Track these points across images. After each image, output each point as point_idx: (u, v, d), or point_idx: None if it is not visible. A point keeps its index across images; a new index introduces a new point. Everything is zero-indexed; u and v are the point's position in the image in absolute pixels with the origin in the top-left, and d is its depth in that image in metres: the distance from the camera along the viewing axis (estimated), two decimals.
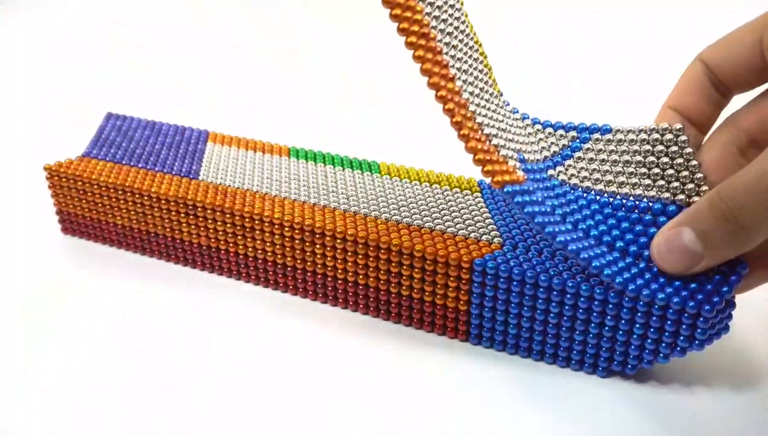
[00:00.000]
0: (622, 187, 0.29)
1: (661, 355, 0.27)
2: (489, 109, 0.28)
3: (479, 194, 0.35)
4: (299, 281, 0.34)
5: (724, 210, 0.24)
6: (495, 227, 0.32)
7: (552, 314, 0.29)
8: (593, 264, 0.26)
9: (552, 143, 0.31)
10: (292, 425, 0.27)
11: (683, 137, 0.28)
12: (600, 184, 0.29)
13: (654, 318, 0.27)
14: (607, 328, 0.28)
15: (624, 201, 0.28)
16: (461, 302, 0.31)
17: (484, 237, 0.31)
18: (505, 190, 0.26)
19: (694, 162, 0.27)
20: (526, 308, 0.29)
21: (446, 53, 0.26)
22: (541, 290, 0.28)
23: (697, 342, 0.27)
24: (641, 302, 0.26)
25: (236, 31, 0.77)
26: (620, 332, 0.28)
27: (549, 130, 0.31)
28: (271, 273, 0.35)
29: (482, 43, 0.30)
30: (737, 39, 0.27)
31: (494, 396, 0.29)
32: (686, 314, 0.26)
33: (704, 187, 0.27)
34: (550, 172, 0.30)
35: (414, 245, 0.30)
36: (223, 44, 0.73)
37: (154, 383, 0.29)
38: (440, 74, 0.25)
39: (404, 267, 0.31)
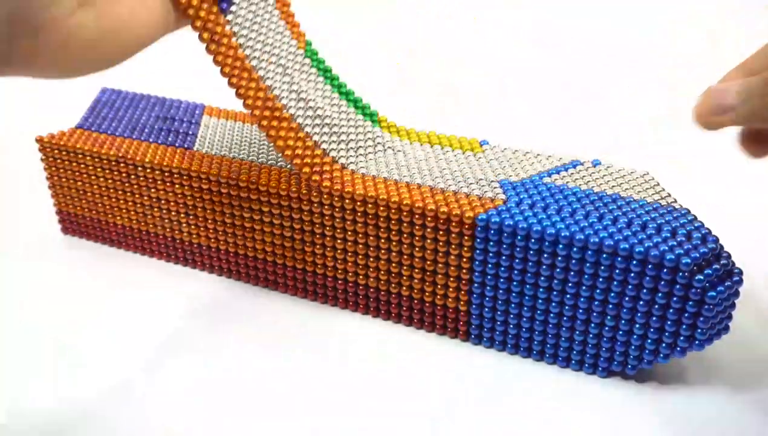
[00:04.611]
0: (600, 186, 0.31)
1: (661, 355, 0.27)
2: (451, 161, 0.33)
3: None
4: (299, 279, 0.34)
5: None
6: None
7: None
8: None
9: (544, 163, 0.33)
10: (292, 424, 0.27)
11: (653, 181, 0.31)
12: (590, 185, 0.31)
13: (654, 318, 0.27)
14: (607, 328, 0.28)
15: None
16: (461, 302, 0.31)
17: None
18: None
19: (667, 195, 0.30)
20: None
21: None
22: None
23: (697, 342, 0.27)
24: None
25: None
26: (620, 332, 0.28)
27: (539, 156, 0.34)
28: (270, 273, 0.35)
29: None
30: None
31: (494, 396, 0.29)
32: (665, 270, 0.26)
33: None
34: (546, 179, 0.31)
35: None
36: None
37: (154, 381, 0.29)
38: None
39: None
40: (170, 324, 0.33)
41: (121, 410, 0.28)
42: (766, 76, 0.25)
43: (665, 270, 0.26)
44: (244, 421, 0.27)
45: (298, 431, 0.27)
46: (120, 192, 0.36)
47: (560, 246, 0.27)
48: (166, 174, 0.34)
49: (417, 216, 0.29)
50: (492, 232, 0.28)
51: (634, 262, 0.26)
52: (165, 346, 0.31)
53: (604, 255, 0.27)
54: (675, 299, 0.26)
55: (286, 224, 0.33)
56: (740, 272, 0.26)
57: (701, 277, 0.25)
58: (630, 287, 0.27)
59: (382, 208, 0.30)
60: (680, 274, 0.25)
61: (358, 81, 0.62)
